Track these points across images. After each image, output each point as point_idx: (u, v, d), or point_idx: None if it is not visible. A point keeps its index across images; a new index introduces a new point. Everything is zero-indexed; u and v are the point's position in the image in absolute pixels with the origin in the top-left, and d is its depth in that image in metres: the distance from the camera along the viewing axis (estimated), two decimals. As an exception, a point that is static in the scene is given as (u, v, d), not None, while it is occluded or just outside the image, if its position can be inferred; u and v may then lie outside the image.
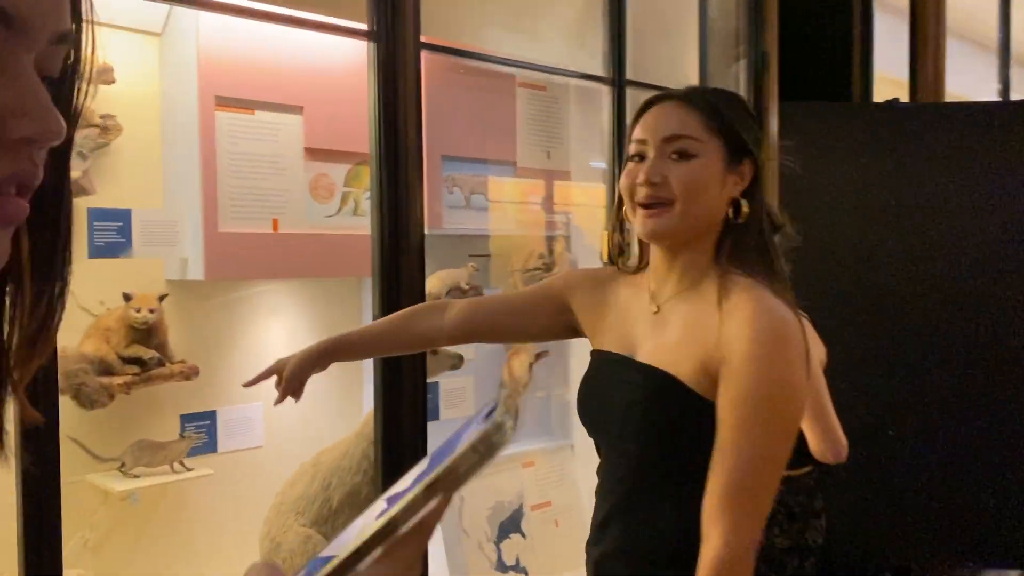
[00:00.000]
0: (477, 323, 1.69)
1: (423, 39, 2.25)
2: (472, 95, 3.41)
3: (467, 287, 3.45)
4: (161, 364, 2.84)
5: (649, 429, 1.39)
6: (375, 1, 2.09)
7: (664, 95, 1.47)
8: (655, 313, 1.46)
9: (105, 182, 2.85)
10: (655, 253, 1.49)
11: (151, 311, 2.72)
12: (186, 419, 3.08)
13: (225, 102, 2.86)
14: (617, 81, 2.79)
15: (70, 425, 2.75)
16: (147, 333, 2.76)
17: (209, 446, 3.14)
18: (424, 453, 2.36)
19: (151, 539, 3.00)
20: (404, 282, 2.10)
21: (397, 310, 2.15)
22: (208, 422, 3.14)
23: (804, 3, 4.05)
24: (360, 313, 3.43)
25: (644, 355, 1.44)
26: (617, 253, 1.59)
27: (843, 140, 3.91)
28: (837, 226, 3.81)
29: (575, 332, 1.64)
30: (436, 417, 3.44)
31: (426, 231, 3.26)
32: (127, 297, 2.72)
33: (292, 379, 1.69)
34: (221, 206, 2.85)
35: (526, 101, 3.64)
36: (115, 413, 2.87)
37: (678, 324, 1.42)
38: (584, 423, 1.54)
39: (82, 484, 2.81)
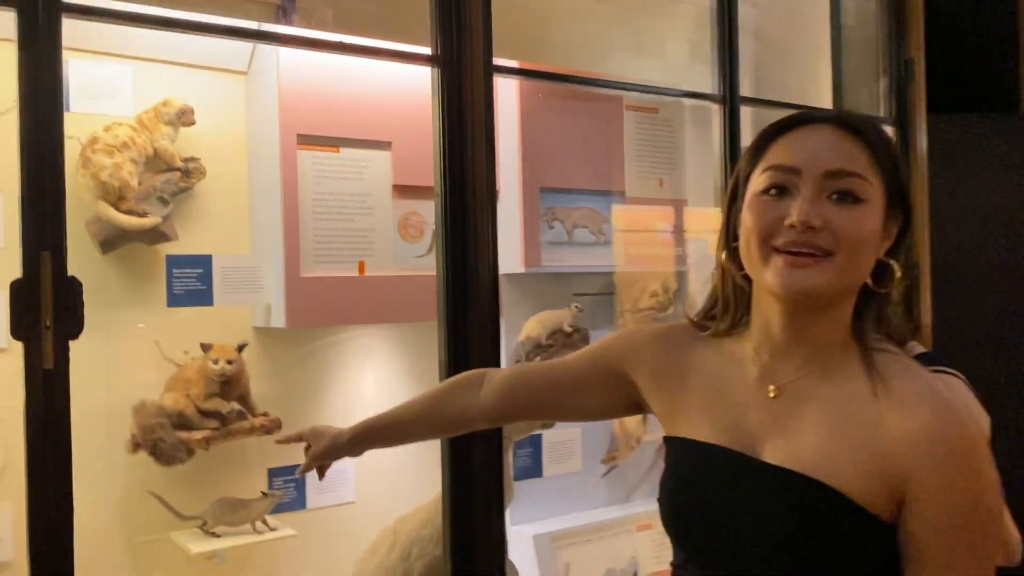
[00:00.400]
0: (518, 401, 1.40)
1: (498, 62, 2.01)
2: (574, 121, 3.14)
3: (571, 329, 3.16)
4: (242, 417, 2.69)
5: (808, 557, 1.05)
6: (439, 23, 1.87)
7: (817, 116, 1.13)
8: (774, 397, 1.13)
9: (189, 228, 2.75)
10: (771, 315, 1.14)
11: (229, 362, 2.58)
12: (274, 473, 2.92)
13: (308, 140, 2.71)
14: (728, 98, 2.46)
15: (152, 481, 2.64)
16: (226, 385, 2.61)
17: (298, 502, 2.97)
18: (499, 531, 2.07)
19: (237, 601, 2.85)
20: (473, 329, 1.85)
21: (465, 360, 1.91)
22: (300, 478, 2.97)
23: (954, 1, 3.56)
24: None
25: (775, 455, 1.11)
26: (722, 310, 1.23)
27: (1000, 156, 3.39)
28: (990, 251, 3.30)
29: (639, 409, 1.32)
30: (538, 474, 3.15)
31: (523, 270, 3.02)
32: (205, 348, 2.59)
33: (315, 460, 1.50)
34: (304, 250, 2.69)
35: (635, 125, 3.33)
36: (199, 468, 2.74)
37: (818, 416, 1.11)
38: (674, 532, 1.20)
39: (165, 543, 2.68)
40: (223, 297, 2.65)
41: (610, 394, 1.32)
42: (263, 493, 2.73)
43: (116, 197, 2.52)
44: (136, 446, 2.52)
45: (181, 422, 2.58)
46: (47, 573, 1.34)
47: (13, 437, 2.48)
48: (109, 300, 2.62)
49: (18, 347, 2.50)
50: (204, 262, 2.64)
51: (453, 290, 1.84)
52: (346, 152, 2.78)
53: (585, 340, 3.20)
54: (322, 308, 2.71)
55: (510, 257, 3.05)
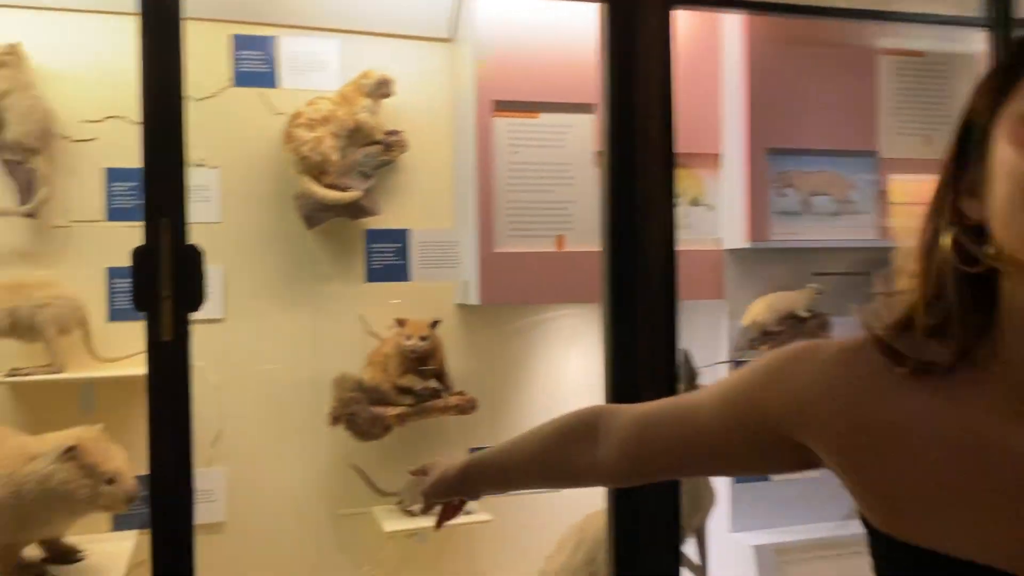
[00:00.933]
0: (646, 467, 1.01)
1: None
2: (813, 71, 2.69)
3: (807, 315, 2.73)
4: (437, 395, 2.62)
5: None
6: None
7: None
8: None
9: (391, 202, 2.72)
10: None
11: (422, 339, 2.51)
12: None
13: (505, 106, 2.56)
14: (1002, 21, 1.89)
15: (355, 454, 2.66)
16: (420, 362, 2.54)
17: (502, 486, 2.85)
18: (671, 548, 1.77)
19: (438, 582, 2.80)
20: (641, 317, 1.56)
21: (632, 356, 1.62)
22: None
23: None
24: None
25: None
26: (940, 324, 0.78)
27: None
28: None
29: (812, 466, 0.86)
30: (765, 477, 2.77)
31: (748, 244, 2.64)
32: (399, 323, 2.54)
33: (427, 497, 1.26)
34: (498, 224, 2.55)
35: (894, 73, 2.80)
36: (402, 443, 2.72)
37: None
38: None
39: (365, 517, 2.69)
40: (420, 272, 2.59)
41: (771, 456, 0.88)
42: (458, 475, 2.64)
43: (318, 171, 2.53)
44: (335, 419, 2.53)
45: (377, 397, 2.56)
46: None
47: (229, 404, 2.61)
48: (315, 274, 2.66)
49: (236, 316, 2.64)
50: (401, 236, 2.59)
51: (617, 271, 1.57)
52: (545, 118, 2.59)
53: (824, 327, 2.75)
54: (516, 285, 2.55)
55: (734, 230, 2.70)
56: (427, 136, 2.76)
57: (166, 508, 1.31)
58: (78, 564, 2.26)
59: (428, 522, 2.59)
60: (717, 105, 2.72)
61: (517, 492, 1.34)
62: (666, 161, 1.55)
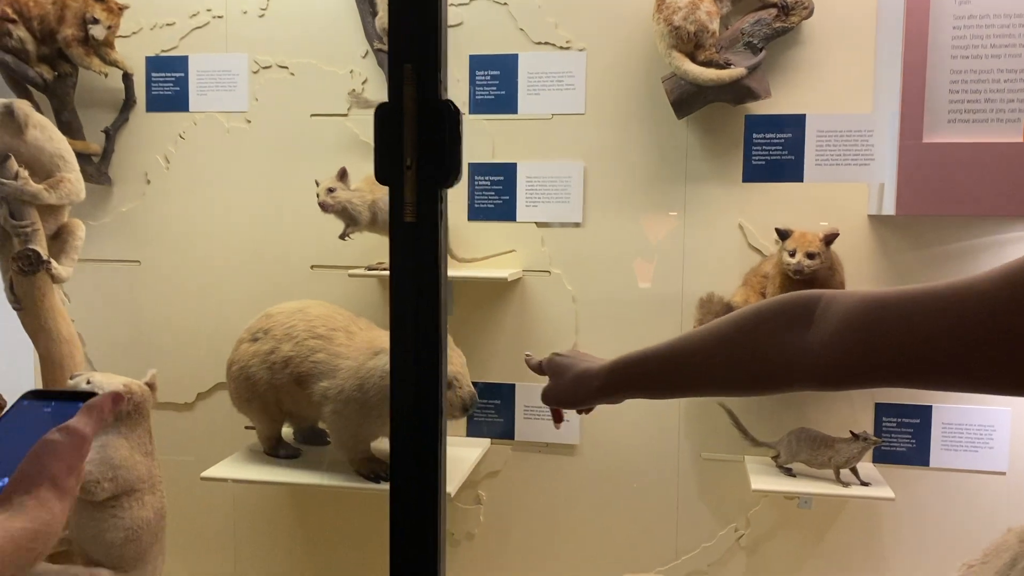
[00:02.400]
0: (873, 357, 0.68)
1: None
2: None
3: None
4: (829, 331, 2.04)
5: None
6: None
7: None
8: None
9: (786, 82, 2.15)
10: None
11: (809, 256, 1.95)
12: (884, 411, 2.21)
13: (954, -64, 1.82)
14: None
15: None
16: (806, 286, 1.99)
17: (919, 454, 2.20)
18: None
19: (820, 557, 2.27)
20: None
21: None
22: (918, 420, 2.19)
23: None
24: None
25: None
26: None
27: None
28: None
29: None
30: None
31: None
32: (782, 235, 2.00)
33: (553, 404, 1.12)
34: (931, 103, 1.85)
35: None
36: (783, 386, 2.21)
37: None
38: None
39: (736, 467, 2.26)
40: (815, 172, 2.01)
41: None
42: (852, 434, 2.06)
43: (692, 45, 2.07)
44: (697, 347, 2.11)
45: (749, 326, 2.08)
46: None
47: (584, 318, 2.34)
48: (686, 172, 2.23)
49: (596, 220, 2.33)
50: (794, 124, 2.03)
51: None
52: (1020, -53, 1.79)
53: None
54: (953, 190, 1.85)
55: None
56: (842, -4, 2.12)
57: (404, 426, 1.05)
58: (423, 466, 2.20)
59: (814, 486, 2.08)
60: None
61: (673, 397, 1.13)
62: None
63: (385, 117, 1.06)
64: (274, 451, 2.23)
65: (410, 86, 1.04)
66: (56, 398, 0.92)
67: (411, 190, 1.05)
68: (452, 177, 1.06)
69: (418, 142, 1.05)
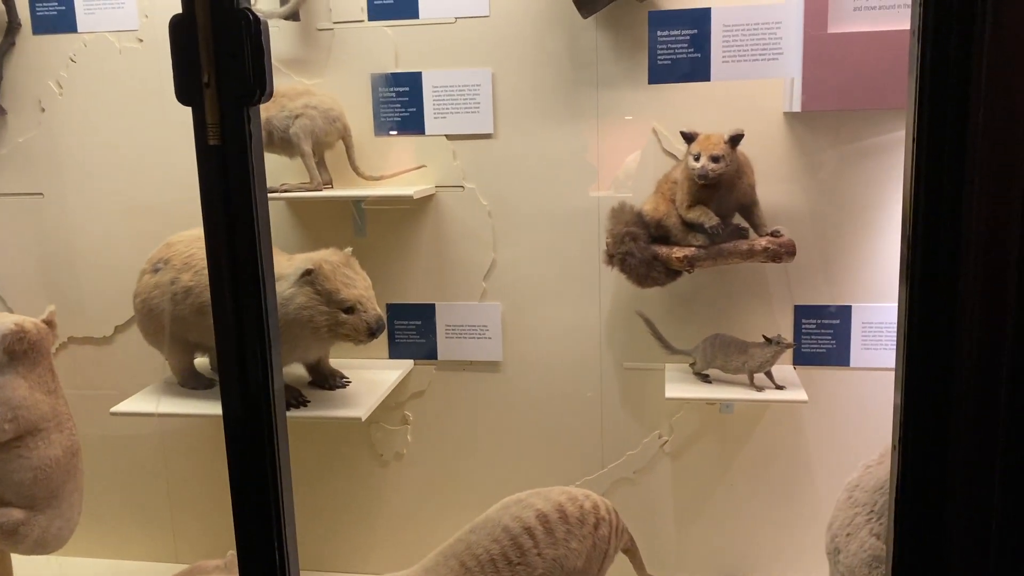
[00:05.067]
0: None
1: None
2: None
3: None
4: (739, 235, 1.99)
5: None
6: None
7: None
8: None
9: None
10: None
11: (714, 159, 1.87)
12: (803, 313, 2.17)
13: None
14: None
15: (642, 299, 2.18)
16: (714, 190, 1.93)
17: (839, 355, 2.18)
18: None
19: (743, 460, 2.27)
20: None
21: None
22: (838, 321, 2.16)
23: None
24: None
25: None
26: None
27: None
28: None
29: None
30: None
31: None
32: (687, 137, 1.93)
33: None
34: (836, -11, 1.75)
35: None
36: (695, 293, 2.17)
37: None
38: None
39: (656, 375, 2.24)
40: (722, 69, 1.92)
41: None
42: (765, 339, 2.03)
43: (591, -62, 1.95)
44: (609, 257, 2.06)
45: (660, 234, 2.02)
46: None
47: (501, 232, 2.27)
48: (595, 76, 2.13)
49: (507, 130, 2.23)
50: (700, 18, 1.93)
51: None
52: None
53: None
54: (858, 83, 1.76)
55: None
56: None
57: (229, 360, 1.00)
58: (340, 390, 2.18)
59: (729, 391, 2.07)
60: None
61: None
62: None
63: (179, 30, 0.97)
64: (186, 382, 2.19)
65: (202, -5, 0.94)
66: None
67: (212, 110, 0.97)
68: (258, 93, 0.98)
69: (215, 56, 0.96)
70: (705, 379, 2.12)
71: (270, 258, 1.04)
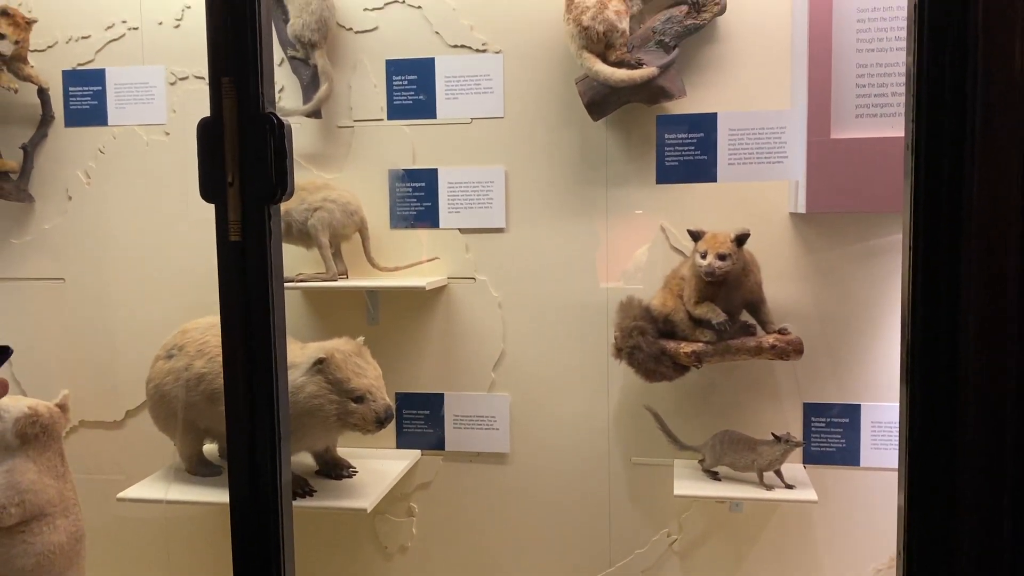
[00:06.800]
0: None
1: None
2: None
3: None
4: (747, 332, 2.01)
5: None
6: None
7: None
8: None
9: (700, 81, 2.12)
10: None
11: (721, 257, 1.91)
12: (813, 411, 2.17)
13: (855, -72, 1.79)
14: None
15: (651, 394, 2.19)
16: (721, 288, 1.96)
17: (849, 454, 2.16)
18: None
19: (752, 561, 2.23)
20: None
21: None
22: (847, 420, 2.16)
23: None
24: None
25: None
26: None
27: None
28: None
29: None
30: None
31: None
32: (694, 236, 1.97)
33: None
34: (838, 98, 1.82)
35: None
36: (703, 389, 2.18)
37: None
38: None
39: (665, 471, 2.22)
40: (728, 171, 1.98)
41: None
42: (775, 436, 2.03)
43: (602, 45, 2.04)
44: (617, 351, 2.08)
45: (668, 329, 2.04)
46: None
47: (512, 324, 2.30)
48: (605, 175, 2.19)
49: (518, 224, 2.28)
50: (705, 124, 1.99)
51: None
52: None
53: None
54: (861, 186, 1.81)
55: None
56: (756, -10, 2.09)
57: (240, 446, 1.02)
58: (346, 480, 2.17)
59: (738, 490, 2.05)
60: None
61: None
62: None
63: (206, 132, 1.02)
64: (195, 469, 2.19)
65: (229, 99, 1.00)
66: None
67: (235, 207, 1.02)
68: (279, 193, 1.03)
69: (240, 157, 1.01)
70: (714, 476, 2.10)
71: (283, 351, 1.06)
